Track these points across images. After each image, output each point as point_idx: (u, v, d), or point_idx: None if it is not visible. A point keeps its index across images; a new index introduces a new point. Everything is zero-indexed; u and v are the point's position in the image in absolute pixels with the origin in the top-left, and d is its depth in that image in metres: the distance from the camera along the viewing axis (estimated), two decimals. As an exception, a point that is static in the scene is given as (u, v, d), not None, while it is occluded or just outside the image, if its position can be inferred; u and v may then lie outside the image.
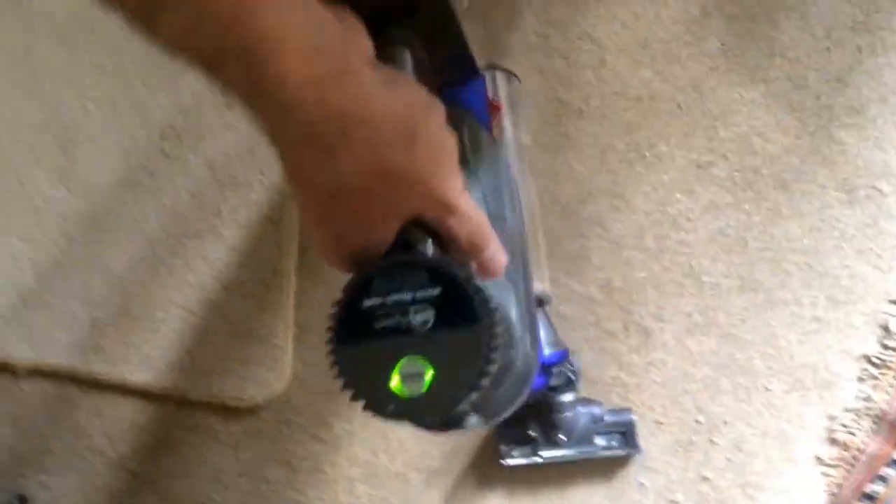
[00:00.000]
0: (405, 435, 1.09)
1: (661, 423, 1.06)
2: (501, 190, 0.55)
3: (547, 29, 1.05)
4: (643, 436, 1.04)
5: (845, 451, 1.04)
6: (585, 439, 1.03)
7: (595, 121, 1.05)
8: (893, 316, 1.03)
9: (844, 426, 1.04)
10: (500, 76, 0.72)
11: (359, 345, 0.39)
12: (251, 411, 1.10)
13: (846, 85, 1.03)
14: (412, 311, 0.38)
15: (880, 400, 1.03)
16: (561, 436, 1.01)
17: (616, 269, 1.06)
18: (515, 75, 0.72)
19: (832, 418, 1.04)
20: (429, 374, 0.37)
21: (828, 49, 1.02)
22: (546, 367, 0.62)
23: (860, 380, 1.04)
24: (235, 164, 1.06)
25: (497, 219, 0.53)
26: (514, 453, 1.05)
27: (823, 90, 1.03)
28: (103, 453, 1.12)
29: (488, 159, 0.55)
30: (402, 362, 0.38)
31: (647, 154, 1.05)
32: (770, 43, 1.03)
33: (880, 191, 1.03)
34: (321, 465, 1.10)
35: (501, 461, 1.04)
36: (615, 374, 1.07)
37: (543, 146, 1.05)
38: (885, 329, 1.03)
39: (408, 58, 0.46)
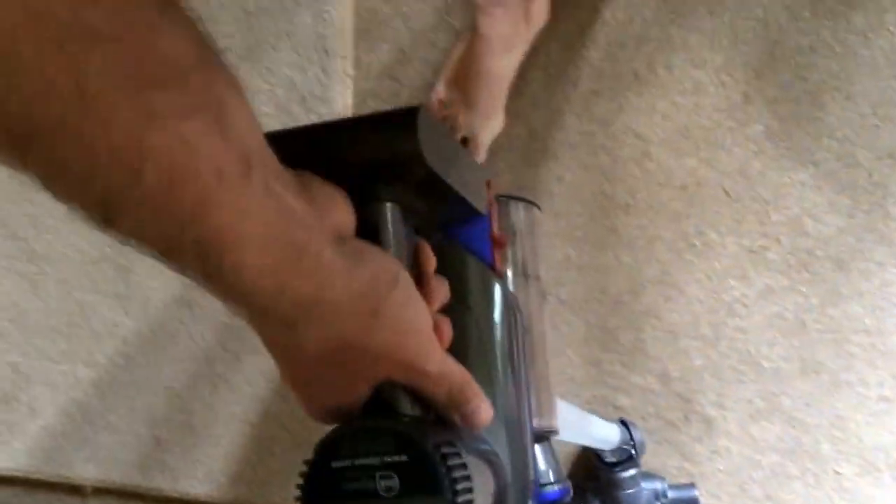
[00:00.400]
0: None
1: (730, 515, 1.04)
2: (498, 326, 0.54)
3: (589, 126, 1.04)
4: (713, 530, 1.02)
5: (924, 535, 1.01)
6: None
7: (641, 213, 1.04)
8: (965, 394, 1.00)
9: (921, 509, 1.01)
10: (515, 206, 0.71)
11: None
12: (316, 521, 1.10)
13: (898, 160, 1.00)
14: (378, 476, 0.38)
15: (957, 481, 1.00)
16: None
17: (673, 359, 1.04)
18: (536, 205, 0.71)
19: (908, 501, 1.01)
20: None
21: (876, 126, 1.00)
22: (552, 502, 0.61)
23: (934, 460, 1.01)
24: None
25: (486, 358, 0.52)
26: None
27: (875, 167, 1.00)
28: (174, 569, 1.13)
29: (485, 295, 0.55)
30: None
31: (696, 242, 1.03)
32: (816, 124, 1.01)
33: (942, 266, 1.00)
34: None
35: None
36: (679, 464, 1.05)
37: (591, 242, 1.04)
38: (957, 407, 1.00)
39: (388, 214, 0.45)
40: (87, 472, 1.11)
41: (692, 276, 1.04)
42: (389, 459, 0.38)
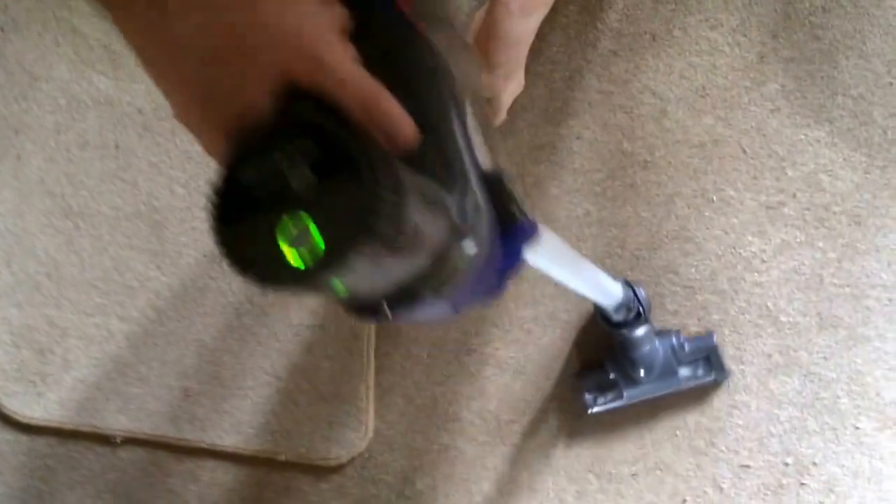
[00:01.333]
0: (488, 488, 1.08)
1: (748, 467, 1.03)
2: (422, 71, 0.49)
3: (608, 86, 1.06)
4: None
5: (945, 489, 0.99)
6: (668, 372, 0.99)
7: (660, 170, 1.05)
8: (983, 347, 0.99)
9: (942, 463, 0.99)
10: None
11: (241, 219, 0.35)
12: (337, 470, 1.10)
13: (912, 118, 1.01)
14: (290, 175, 0.34)
15: (977, 435, 0.99)
16: (642, 373, 0.97)
17: (691, 314, 1.05)
18: None
19: (928, 455, 1.00)
20: (315, 231, 0.33)
21: (890, 84, 1.01)
22: (517, 238, 0.55)
23: (954, 415, 1.00)
24: (314, 233, 1.09)
25: (418, 97, 0.46)
26: (599, 400, 1.03)
27: (890, 124, 1.01)
28: (199, 518, 1.14)
29: (400, 43, 0.48)
30: (284, 224, 0.33)
31: (714, 198, 1.04)
32: (831, 82, 1.02)
33: (957, 221, 1.00)
34: (409, 523, 1.10)
35: (587, 411, 1.02)
36: (697, 419, 1.04)
37: (611, 198, 1.06)
38: (976, 361, 0.99)
39: None
40: (117, 422, 1.13)
41: (710, 232, 1.04)
42: (298, 157, 0.34)
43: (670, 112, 1.05)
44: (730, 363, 1.03)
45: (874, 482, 1.01)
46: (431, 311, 0.44)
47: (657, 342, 0.99)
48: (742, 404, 1.04)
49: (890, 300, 1.01)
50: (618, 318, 0.95)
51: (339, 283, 0.34)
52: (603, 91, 1.07)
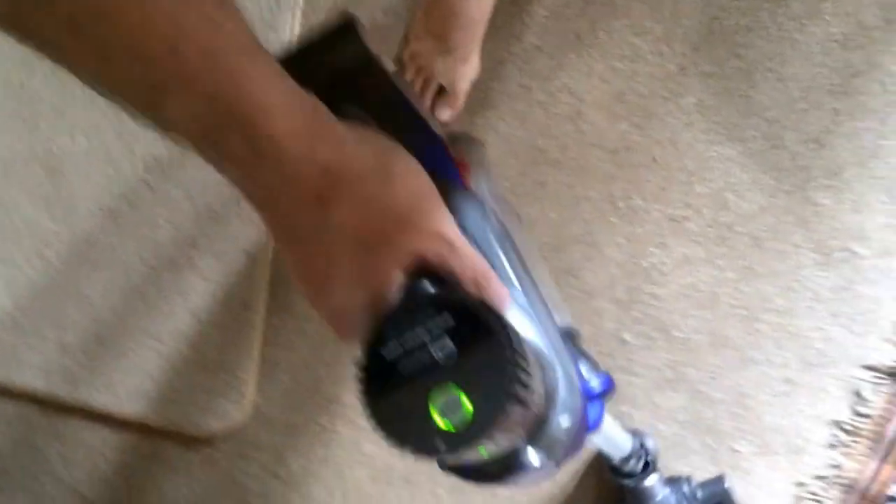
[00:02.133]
0: (362, 475, 1.04)
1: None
2: (489, 235, 0.53)
3: (529, 80, 1.04)
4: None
5: (814, 520, 0.98)
6: None
7: (571, 171, 1.03)
8: (867, 381, 0.98)
9: (813, 494, 0.98)
10: (462, 140, 0.70)
11: (391, 394, 0.37)
12: (209, 442, 1.06)
13: (823, 146, 1.00)
14: (433, 347, 0.37)
15: (851, 469, 0.98)
16: None
17: (586, 320, 1.02)
18: (480, 142, 0.71)
19: (801, 485, 0.99)
20: (465, 399, 0.36)
21: (805, 110, 1.00)
22: (599, 395, 0.58)
23: (831, 446, 0.99)
24: (214, 196, 1.05)
25: (495, 262, 0.51)
26: None
27: (800, 151, 1.00)
28: (58, 477, 1.08)
29: (468, 209, 0.53)
30: (434, 394, 0.36)
31: (621, 205, 1.02)
32: (747, 102, 1.01)
33: (856, 253, 0.99)
34: (274, 502, 1.05)
35: None
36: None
37: (519, 194, 1.03)
38: (858, 395, 0.98)
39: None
40: (-14, 370, 1.07)
41: (613, 239, 1.02)
42: (438, 330, 0.38)
43: (587, 114, 1.03)
44: (619, 377, 1.01)
45: (728, 481, 1.00)
46: (537, 474, 0.46)
47: (669, 490, 0.93)
48: (626, 415, 1.02)
49: (781, 326, 1.00)
50: (626, 469, 0.92)
51: (483, 448, 0.37)
52: (523, 85, 1.04)
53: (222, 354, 1.05)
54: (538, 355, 0.47)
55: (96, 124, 1.07)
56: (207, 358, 1.05)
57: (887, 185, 0.99)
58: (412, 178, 0.42)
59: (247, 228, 1.04)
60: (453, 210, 0.47)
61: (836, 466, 0.98)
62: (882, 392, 0.98)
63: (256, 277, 1.05)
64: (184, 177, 1.06)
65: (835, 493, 0.98)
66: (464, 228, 0.47)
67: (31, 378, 1.06)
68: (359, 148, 0.40)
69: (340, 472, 1.05)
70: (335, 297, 0.41)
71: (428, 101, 1.04)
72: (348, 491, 1.05)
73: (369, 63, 0.46)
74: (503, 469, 0.44)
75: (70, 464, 1.08)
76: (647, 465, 0.92)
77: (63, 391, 1.06)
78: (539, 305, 0.51)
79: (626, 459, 0.90)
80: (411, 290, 0.41)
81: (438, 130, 0.53)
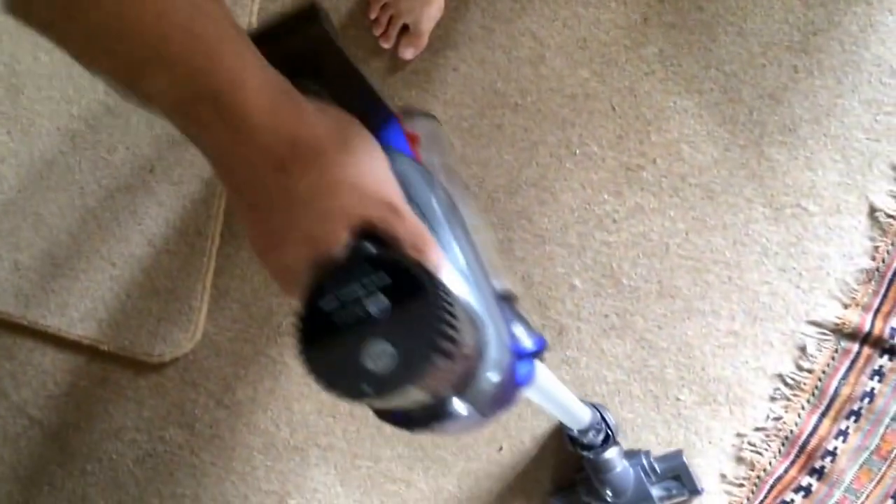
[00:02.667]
0: (309, 408, 1.04)
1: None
2: (433, 203, 0.56)
3: (491, 22, 1.04)
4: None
5: (751, 470, 0.98)
6: (642, 494, 0.94)
7: (529, 115, 1.03)
8: (811, 337, 0.98)
9: (752, 445, 0.98)
10: (416, 115, 0.72)
11: (325, 343, 0.40)
12: (158, 369, 1.06)
13: (779, 103, 1.00)
14: (368, 302, 0.40)
15: (791, 422, 0.98)
16: (612, 495, 0.93)
17: (537, 263, 1.02)
18: (434, 117, 0.73)
19: (741, 436, 0.99)
20: (393, 350, 0.38)
21: (763, 66, 1.00)
22: (531, 355, 0.60)
23: (772, 399, 0.99)
24: (173, 123, 1.04)
25: (438, 233, 0.54)
26: None
27: (757, 106, 1.00)
28: (7, 396, 1.08)
29: (415, 178, 0.55)
30: (366, 345, 0.38)
31: (577, 151, 1.02)
32: (707, 55, 1.01)
33: (806, 210, 0.99)
34: (221, 431, 1.05)
35: None
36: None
37: (476, 135, 1.03)
38: (802, 350, 0.98)
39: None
40: (-63, 285, 1.07)
41: (568, 185, 1.02)
42: (373, 286, 0.40)
43: (548, 59, 1.03)
44: (567, 321, 1.01)
45: (686, 455, 0.99)
46: (463, 424, 0.48)
47: (627, 463, 0.94)
48: (572, 360, 1.02)
49: (729, 278, 1.00)
50: (586, 440, 0.92)
51: (411, 395, 0.39)
52: (485, 27, 1.04)
53: (174, 281, 1.05)
54: (471, 314, 0.49)
55: (61, 47, 1.06)
56: (159, 284, 1.05)
57: (841, 144, 0.99)
58: (366, 148, 0.45)
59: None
60: (401, 179, 0.49)
61: (777, 419, 0.98)
62: (825, 348, 0.98)
63: (211, 206, 1.05)
64: (146, 104, 1.05)
65: (774, 445, 0.98)
66: (410, 196, 0.50)
67: (-19, 295, 1.06)
68: (320, 121, 0.43)
69: (288, 404, 1.04)
70: (286, 255, 0.44)
71: (392, 40, 1.04)
72: (294, 423, 1.04)
73: (330, 45, 0.48)
74: (432, 417, 0.47)
75: (20, 384, 1.07)
76: (606, 437, 0.92)
77: (15, 310, 1.05)
78: (478, 270, 0.54)
79: (586, 431, 0.91)
80: (354, 249, 0.43)
81: (392, 107, 0.56)
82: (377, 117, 0.55)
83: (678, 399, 1.00)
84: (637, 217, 1.01)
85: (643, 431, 1.00)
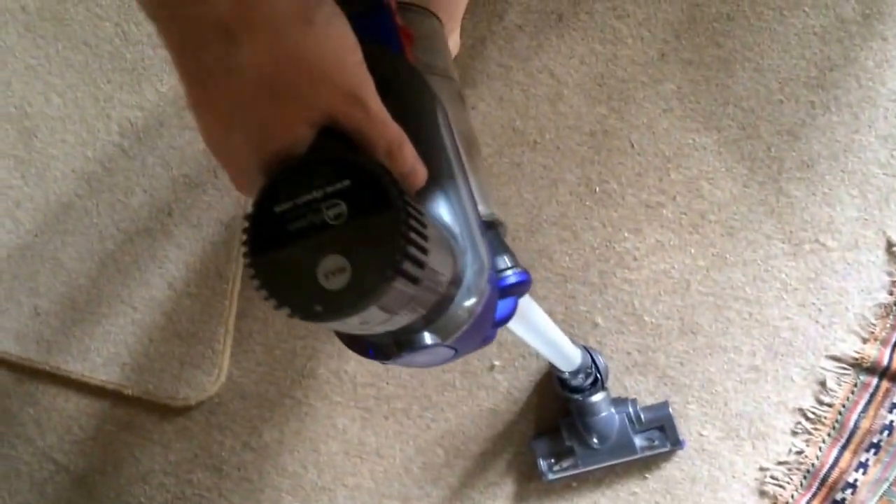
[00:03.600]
0: (336, 448, 1.04)
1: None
2: (427, 111, 0.49)
3: (509, 60, 1.02)
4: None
5: None
6: (625, 441, 0.95)
7: (548, 153, 1.02)
8: (831, 371, 0.98)
9: (775, 479, 0.99)
10: (413, 10, 0.65)
11: (276, 251, 0.35)
12: (183, 412, 1.05)
13: (797, 139, 0.99)
14: (324, 207, 0.35)
15: (812, 455, 0.98)
16: (597, 440, 0.94)
17: (559, 302, 1.02)
18: (437, 17, 0.66)
19: (764, 470, 0.99)
20: (349, 266, 0.34)
21: (781, 102, 0.99)
22: (511, 288, 0.55)
23: (794, 433, 0.99)
24: (191, 165, 1.03)
25: (425, 139, 0.47)
26: (555, 468, 0.98)
27: (775, 142, 0.99)
28: (32, 441, 1.07)
29: (402, 80, 0.49)
30: (319, 258, 0.34)
31: (597, 189, 1.01)
32: (724, 91, 1.00)
33: (825, 245, 0.99)
34: (249, 473, 1.04)
35: (543, 478, 0.99)
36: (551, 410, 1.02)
37: (496, 174, 1.02)
38: (822, 384, 0.98)
39: None
40: (-42, 333, 1.05)
41: (588, 223, 1.01)
42: (332, 188, 0.35)
43: (566, 96, 1.02)
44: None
45: (710, 489, 1.00)
46: (433, 355, 0.44)
47: (613, 410, 0.95)
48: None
49: (750, 314, 1.00)
50: (575, 383, 0.92)
51: (371, 318, 0.35)
52: (503, 65, 1.02)
53: (196, 324, 1.04)
54: (448, 237, 0.44)
55: (72, 85, 1.04)
56: (181, 327, 1.04)
57: (858, 180, 0.99)
58: (334, 29, 0.38)
59: (223, 198, 1.02)
60: (386, 79, 0.43)
61: (799, 453, 0.98)
62: (845, 382, 0.98)
63: (231, 248, 1.03)
64: (160, 143, 1.03)
65: (796, 478, 0.98)
66: (391, 97, 0.43)
67: (4, 343, 1.04)
68: None
69: (314, 446, 1.04)
70: (236, 146, 0.38)
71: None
72: (321, 464, 1.04)
73: None
74: (399, 346, 0.43)
75: (45, 430, 1.06)
76: (595, 381, 0.92)
77: (37, 356, 1.04)
78: (463, 191, 0.48)
79: (575, 373, 0.91)
80: (315, 148, 0.38)
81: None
82: (365, 2, 0.48)
83: (701, 434, 1.00)
84: (657, 254, 1.01)
85: (667, 467, 1.00)
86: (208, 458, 1.05)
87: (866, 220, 0.98)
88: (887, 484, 0.97)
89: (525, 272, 0.55)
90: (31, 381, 1.05)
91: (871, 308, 0.98)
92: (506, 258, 0.55)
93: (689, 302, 1.00)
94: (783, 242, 0.99)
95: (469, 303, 0.43)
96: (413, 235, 0.34)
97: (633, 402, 0.97)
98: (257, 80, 0.36)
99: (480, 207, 0.49)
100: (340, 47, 0.38)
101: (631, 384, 1.01)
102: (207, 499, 1.05)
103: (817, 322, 0.99)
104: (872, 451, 0.97)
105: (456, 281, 0.43)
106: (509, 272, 0.56)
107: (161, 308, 1.04)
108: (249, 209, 0.36)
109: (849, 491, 0.97)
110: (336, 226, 0.34)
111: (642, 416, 0.96)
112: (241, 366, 1.05)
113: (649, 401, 1.00)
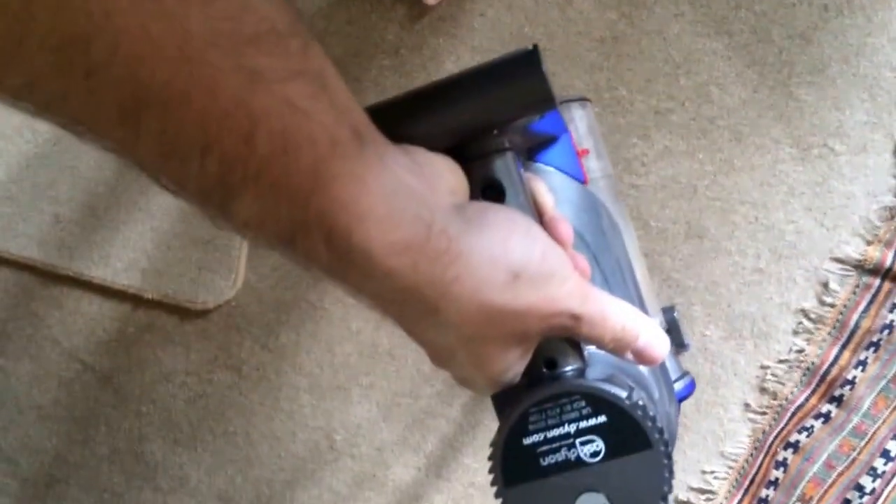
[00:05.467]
0: (350, 350, 1.05)
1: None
2: (609, 242, 0.50)
3: (519, -36, 0.99)
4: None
5: (774, 399, 1.00)
6: None
7: (557, 59, 1.00)
8: (834, 273, 0.98)
9: (775, 376, 0.99)
10: (574, 110, 0.64)
11: (529, 484, 0.35)
12: (202, 315, 1.06)
13: (809, 42, 0.97)
14: (579, 443, 0.35)
15: (813, 353, 0.99)
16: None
17: (567, 207, 1.01)
18: (587, 99, 0.65)
19: (765, 368, 1.00)
20: None
21: (793, 5, 0.96)
22: (683, 399, 0.58)
23: (795, 333, 0.99)
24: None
25: (615, 276, 0.48)
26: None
27: (786, 46, 0.97)
28: (59, 343, 1.08)
29: (589, 216, 0.49)
30: (581, 498, 0.34)
31: (606, 96, 1.00)
32: (737, -6, 0.97)
33: (833, 150, 0.97)
34: (267, 373, 1.06)
35: None
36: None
37: (506, 80, 1.00)
38: (825, 286, 0.98)
39: (506, 165, 0.40)
40: (-17, 240, 1.06)
41: (597, 129, 1.00)
42: (586, 424, 0.35)
43: (575, 1, 0.99)
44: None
45: (712, 386, 1.01)
46: None
47: None
48: (601, 299, 1.02)
49: (756, 218, 0.99)
50: None
51: None
52: (513, -30, 1.00)
53: (213, 231, 1.04)
54: (647, 388, 0.44)
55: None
56: (198, 234, 1.04)
57: (869, 83, 0.96)
58: (544, 267, 0.37)
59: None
60: (576, 220, 0.43)
61: (800, 351, 0.99)
62: (847, 283, 0.98)
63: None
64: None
65: (796, 375, 0.99)
66: (585, 242, 0.44)
67: (27, 248, 1.05)
68: (480, 240, 0.34)
69: (329, 347, 1.05)
70: (459, 374, 0.40)
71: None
72: (336, 364, 1.05)
73: (549, 100, 0.41)
74: None
75: (70, 332, 1.07)
76: None
77: (59, 262, 1.04)
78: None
79: None
80: (551, 364, 0.38)
81: (564, 125, 0.47)
82: (552, 138, 0.47)
83: (704, 335, 1.01)
84: (665, 160, 1.00)
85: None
86: (228, 359, 1.07)
87: (875, 123, 0.96)
88: (885, 381, 0.97)
89: (692, 382, 0.57)
90: (56, 286, 1.07)
91: (876, 211, 0.97)
92: (674, 364, 0.55)
93: (695, 206, 1.00)
94: (791, 147, 0.98)
95: (674, 437, 0.45)
96: (672, 475, 0.35)
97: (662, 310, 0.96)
98: (465, 335, 0.35)
99: (654, 320, 0.48)
100: (549, 282, 0.36)
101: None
102: (228, 397, 1.07)
103: (822, 225, 0.98)
104: (872, 349, 0.98)
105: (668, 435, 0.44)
106: (680, 383, 0.58)
107: (178, 215, 1.04)
108: (496, 438, 0.35)
109: (847, 387, 0.98)
110: (594, 464, 0.34)
111: None
112: (257, 271, 1.05)
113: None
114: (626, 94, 0.99)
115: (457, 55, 1.00)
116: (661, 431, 0.35)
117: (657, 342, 0.40)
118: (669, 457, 0.35)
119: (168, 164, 0.27)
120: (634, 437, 0.35)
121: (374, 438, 1.05)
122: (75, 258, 1.04)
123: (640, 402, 0.36)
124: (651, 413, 0.36)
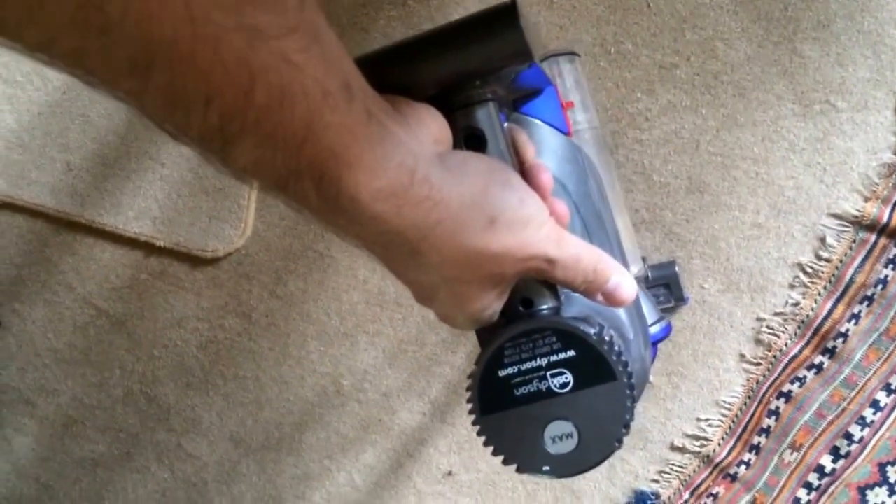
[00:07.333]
0: (357, 298, 1.06)
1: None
2: (591, 191, 0.51)
3: (528, -84, 0.97)
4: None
5: (768, 351, 1.01)
6: None
7: (564, 12, 0.98)
8: (831, 228, 0.98)
9: (771, 329, 1.00)
10: (563, 64, 0.64)
11: (503, 413, 0.38)
12: (213, 263, 1.06)
13: (815, -2, 0.95)
14: (549, 375, 0.37)
15: (808, 307, 0.99)
16: None
17: (571, 161, 1.00)
18: (576, 53, 0.65)
19: (760, 320, 1.00)
20: (577, 433, 0.36)
21: (801, -41, 0.94)
22: (658, 342, 0.59)
23: (791, 286, 0.99)
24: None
25: (594, 224, 0.49)
26: None
27: (792, 1, 0.95)
28: (73, 289, 1.09)
29: (572, 166, 0.50)
30: (549, 424, 0.37)
31: (612, 50, 0.98)
32: (745, -52, 0.95)
33: (835, 106, 0.96)
34: (276, 320, 1.07)
35: None
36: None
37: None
38: (822, 241, 0.98)
39: (487, 115, 0.42)
40: (-3, 186, 1.05)
41: (602, 84, 0.99)
42: (556, 358, 0.37)
43: (585, -46, 0.97)
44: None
45: (709, 337, 1.02)
46: None
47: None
48: (603, 252, 1.02)
49: (756, 173, 0.98)
50: None
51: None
52: (522, -79, 0.97)
53: (222, 179, 1.04)
54: (621, 329, 0.46)
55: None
56: (208, 183, 1.04)
57: (873, 40, 0.95)
58: (519, 213, 0.38)
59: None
60: (561, 172, 0.44)
61: (795, 304, 0.99)
62: (844, 238, 0.98)
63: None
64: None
65: (791, 328, 1.00)
66: (567, 191, 0.46)
67: (40, 196, 1.04)
68: (459, 187, 0.36)
69: (336, 295, 1.06)
70: (441, 311, 0.42)
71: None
72: (344, 312, 1.06)
73: (526, 53, 0.42)
74: None
75: (84, 278, 1.08)
76: None
77: (72, 209, 1.04)
78: (621, 261, 0.49)
79: None
80: (526, 303, 0.40)
81: (548, 78, 0.48)
82: (535, 90, 0.48)
83: (702, 287, 1.01)
84: (669, 115, 0.99)
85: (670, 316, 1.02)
86: (237, 306, 1.07)
87: (878, 80, 0.95)
88: (877, 334, 0.98)
89: (669, 325, 0.58)
90: (69, 232, 1.06)
91: (875, 168, 0.96)
92: (650, 307, 0.56)
93: (697, 161, 0.99)
94: (794, 103, 0.97)
95: (646, 376, 0.46)
96: (633, 405, 0.36)
97: (644, 259, 0.97)
98: (445, 275, 0.38)
99: (633, 269, 0.51)
100: (525, 226, 0.38)
101: (638, 240, 1.01)
102: (238, 342, 1.08)
103: (822, 181, 0.98)
104: (865, 303, 0.98)
105: (639, 374, 0.45)
106: (656, 327, 0.59)
107: (188, 164, 1.04)
108: (474, 370, 0.38)
109: (840, 340, 0.99)
110: (563, 394, 0.36)
111: (649, 275, 0.97)
112: (266, 220, 1.05)
113: (655, 256, 1.01)
114: (631, 49, 0.98)
115: (464, 6, 0.98)
116: (625, 365, 0.37)
117: (625, 285, 0.42)
118: (632, 388, 0.37)
119: (173, 113, 0.29)
120: (600, 370, 0.37)
121: (380, 384, 1.07)
122: (87, 206, 1.04)
123: (607, 339, 0.38)
124: (616, 348, 0.38)
